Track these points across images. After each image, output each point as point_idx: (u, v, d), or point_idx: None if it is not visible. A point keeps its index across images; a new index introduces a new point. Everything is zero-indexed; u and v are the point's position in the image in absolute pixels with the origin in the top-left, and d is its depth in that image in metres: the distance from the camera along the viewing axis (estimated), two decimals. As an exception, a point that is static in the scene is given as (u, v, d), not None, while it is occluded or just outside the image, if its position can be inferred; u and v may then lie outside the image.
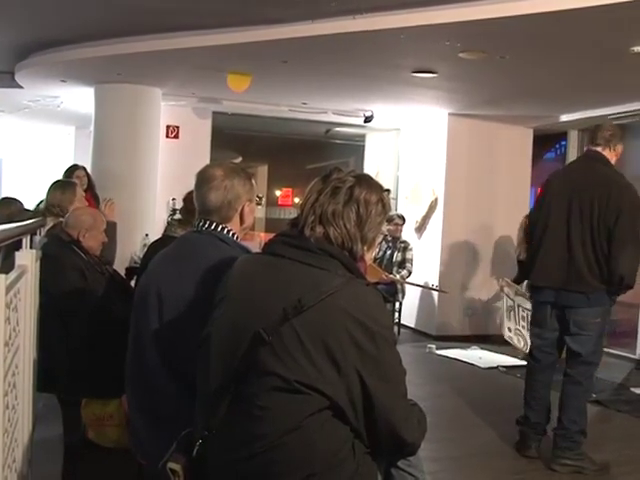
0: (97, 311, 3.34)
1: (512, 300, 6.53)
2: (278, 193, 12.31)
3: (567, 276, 3.86)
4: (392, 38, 4.77)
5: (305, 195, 1.87)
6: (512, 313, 6.55)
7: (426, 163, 8.27)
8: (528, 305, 5.98)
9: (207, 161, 7.27)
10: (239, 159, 10.18)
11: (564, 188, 3.97)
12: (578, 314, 3.85)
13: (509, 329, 6.56)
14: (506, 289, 6.59)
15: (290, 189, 12.04)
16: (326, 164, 9.37)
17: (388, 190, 1.96)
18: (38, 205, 5.20)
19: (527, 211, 7.31)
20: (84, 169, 6.00)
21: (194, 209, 2.44)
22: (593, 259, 3.81)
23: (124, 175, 6.98)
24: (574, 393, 3.92)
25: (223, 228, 2.34)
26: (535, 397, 4.08)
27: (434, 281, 7.85)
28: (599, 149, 4.07)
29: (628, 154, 8.08)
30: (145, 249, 6.26)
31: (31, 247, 3.08)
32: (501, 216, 7.82)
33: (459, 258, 7.92)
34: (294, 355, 1.67)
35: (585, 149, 4.19)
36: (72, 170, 5.78)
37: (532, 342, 4.14)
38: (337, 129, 9.02)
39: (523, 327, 6.35)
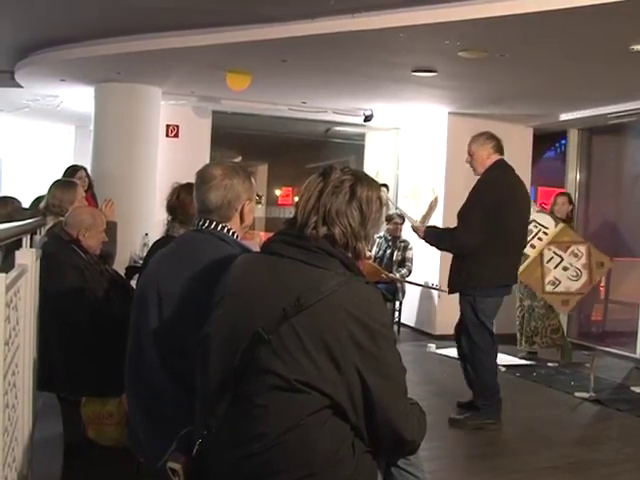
0: (97, 310, 3.34)
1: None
2: (278, 192, 12.32)
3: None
4: (392, 37, 4.77)
5: (302, 194, 1.87)
6: None
7: (426, 162, 8.26)
8: (546, 222, 6.38)
9: (207, 160, 7.28)
10: (239, 158, 10.19)
11: (521, 197, 4.58)
12: None
13: None
14: None
15: (290, 188, 12.05)
16: (326, 163, 9.38)
17: (385, 185, 1.98)
18: (35, 202, 5.18)
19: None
20: (85, 170, 5.99)
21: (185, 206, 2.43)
22: None
23: (124, 174, 6.98)
24: None
25: (223, 227, 2.34)
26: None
27: (434, 280, 7.84)
28: None
29: (628, 153, 8.12)
30: (146, 248, 6.27)
31: (31, 246, 3.08)
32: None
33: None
34: (294, 354, 1.67)
35: (498, 159, 4.52)
36: (73, 171, 5.77)
37: (490, 330, 4.53)
38: (337, 128, 9.02)
39: None
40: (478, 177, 4.55)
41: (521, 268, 6.40)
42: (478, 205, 4.37)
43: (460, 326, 4.65)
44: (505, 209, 4.36)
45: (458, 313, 4.52)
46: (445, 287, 4.70)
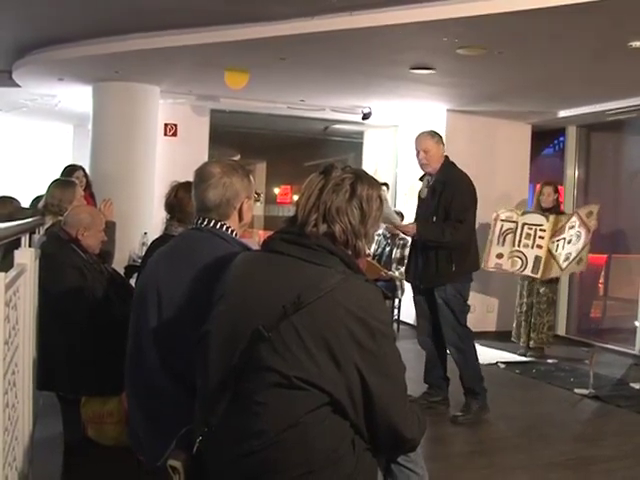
0: (96, 310, 3.34)
1: (515, 222, 6.70)
2: (277, 190, 12.31)
3: None
4: (390, 34, 4.77)
5: (303, 192, 1.87)
6: (509, 237, 6.73)
7: (425, 160, 8.23)
8: (537, 220, 6.55)
9: (205, 159, 7.26)
10: (237, 156, 10.17)
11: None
12: None
13: (499, 255, 6.67)
14: (505, 214, 6.79)
15: (289, 186, 12.05)
16: (324, 161, 9.35)
17: (386, 184, 1.98)
18: (34, 202, 5.18)
19: (525, 207, 7.44)
20: (82, 169, 5.98)
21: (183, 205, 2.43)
22: None
23: (122, 173, 6.97)
24: None
25: (222, 225, 2.34)
26: None
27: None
28: None
29: (627, 150, 8.12)
30: (145, 247, 6.27)
31: (30, 245, 3.08)
32: (499, 212, 7.80)
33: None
34: (294, 351, 1.67)
35: (446, 156, 4.75)
36: (71, 171, 5.76)
37: (465, 314, 4.75)
38: (335, 126, 9.00)
39: (526, 245, 6.63)
40: (432, 172, 4.73)
41: (539, 273, 6.51)
42: (468, 202, 4.63)
43: (434, 323, 4.74)
44: (476, 203, 4.72)
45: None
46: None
